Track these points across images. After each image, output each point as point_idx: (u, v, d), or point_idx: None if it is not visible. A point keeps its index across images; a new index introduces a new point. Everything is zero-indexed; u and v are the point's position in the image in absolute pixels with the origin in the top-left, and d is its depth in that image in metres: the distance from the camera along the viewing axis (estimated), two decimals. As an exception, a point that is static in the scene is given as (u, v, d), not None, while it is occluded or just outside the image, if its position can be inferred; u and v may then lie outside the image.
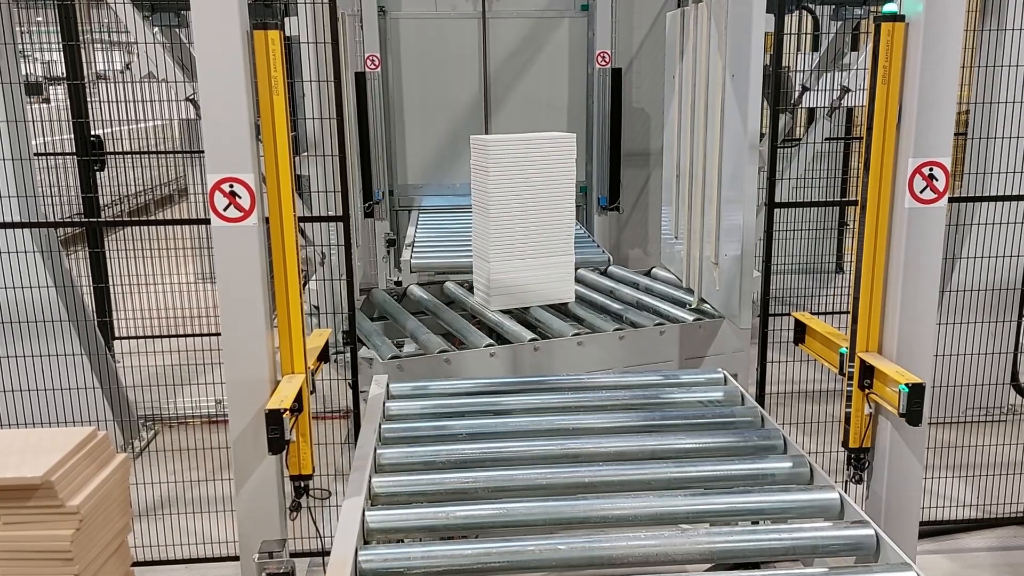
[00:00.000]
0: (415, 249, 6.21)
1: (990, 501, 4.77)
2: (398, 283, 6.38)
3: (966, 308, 5.27)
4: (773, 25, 4.11)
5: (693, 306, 4.79)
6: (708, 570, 2.86)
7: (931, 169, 3.14)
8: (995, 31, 5.24)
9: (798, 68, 6.14)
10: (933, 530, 4.54)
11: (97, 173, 5.50)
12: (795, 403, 5.05)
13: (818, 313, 4.45)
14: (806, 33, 6.96)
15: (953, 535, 4.58)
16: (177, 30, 5.27)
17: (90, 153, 5.36)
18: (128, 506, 3.18)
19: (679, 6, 8.75)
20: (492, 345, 4.41)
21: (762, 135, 5.90)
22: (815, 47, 7.39)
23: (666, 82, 5.49)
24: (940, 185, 3.16)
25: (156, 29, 5.14)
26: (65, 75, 5.21)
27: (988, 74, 5.34)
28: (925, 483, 4.46)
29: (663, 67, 8.98)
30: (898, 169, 3.19)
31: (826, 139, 7.48)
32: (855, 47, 7.46)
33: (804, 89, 5.78)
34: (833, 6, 5.53)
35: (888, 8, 3.11)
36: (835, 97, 5.60)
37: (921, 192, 3.16)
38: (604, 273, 5.72)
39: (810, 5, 6.20)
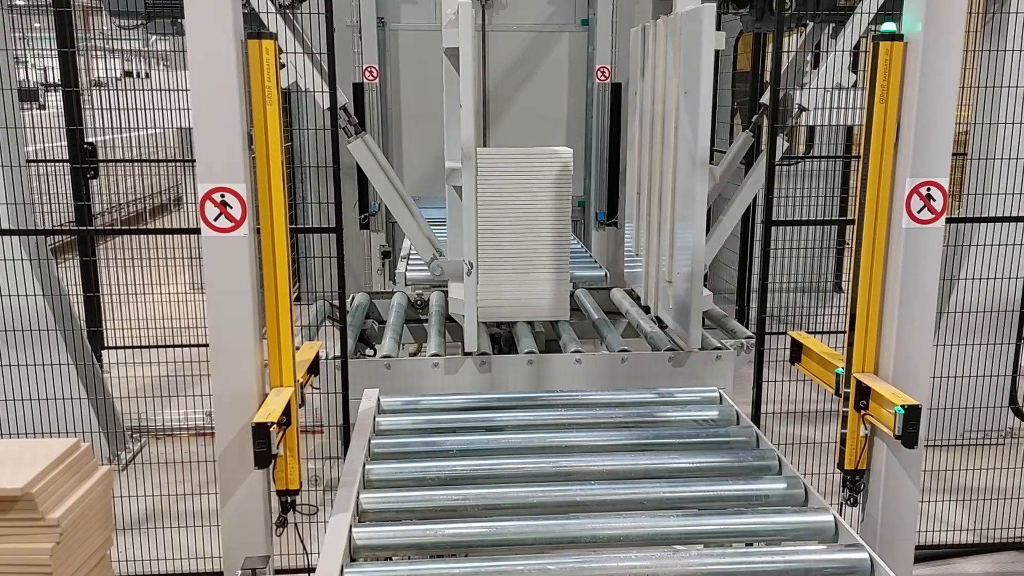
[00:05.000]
0: (410, 262, 6.18)
1: (988, 525, 4.72)
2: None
3: (965, 330, 5.23)
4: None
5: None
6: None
7: (928, 189, 3.12)
8: (996, 52, 5.23)
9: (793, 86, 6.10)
10: (930, 554, 4.50)
11: (90, 181, 5.47)
12: (791, 423, 5.01)
13: (817, 332, 4.41)
14: (812, 51, 6.95)
15: (950, 559, 4.53)
16: (173, 38, 5.26)
17: (83, 160, 5.33)
18: (110, 519, 3.13)
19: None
20: (486, 354, 4.39)
21: (759, 152, 5.89)
22: (816, 65, 7.39)
23: (629, 98, 5.47)
24: (938, 205, 3.13)
25: (153, 37, 5.12)
26: (60, 82, 5.18)
27: (988, 95, 5.33)
28: (922, 506, 4.41)
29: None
30: (895, 189, 3.16)
31: (823, 157, 7.47)
32: (855, 66, 7.46)
33: (801, 109, 5.70)
34: (833, 24, 5.51)
35: (887, 27, 3.09)
36: (793, 115, 5.48)
37: (918, 212, 3.13)
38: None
39: (810, 23, 6.18)
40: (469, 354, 4.37)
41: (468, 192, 4.31)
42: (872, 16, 4.98)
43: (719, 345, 4.63)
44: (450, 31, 4.18)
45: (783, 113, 5.40)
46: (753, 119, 5.71)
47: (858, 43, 6.50)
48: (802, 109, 5.18)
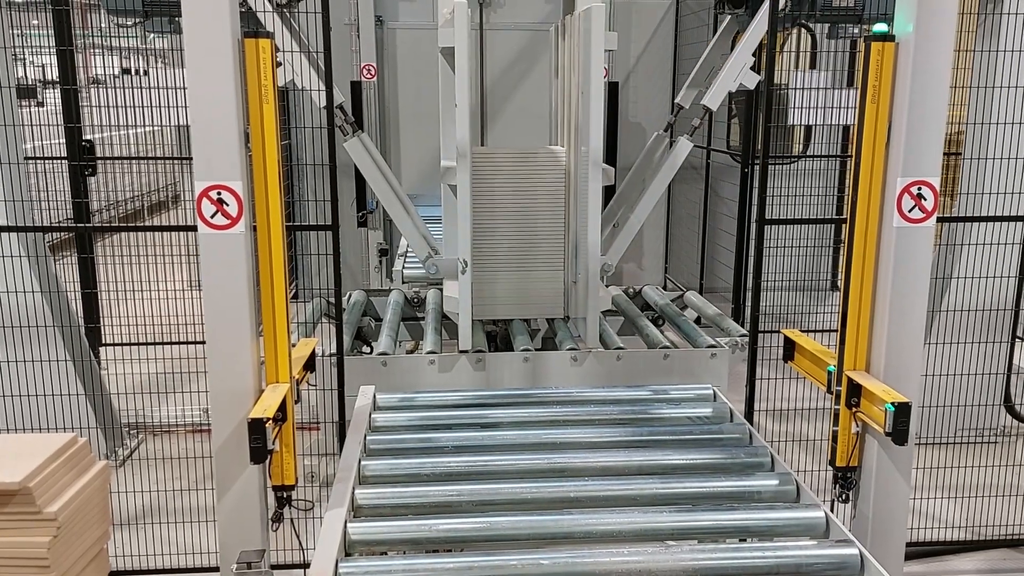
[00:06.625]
0: (408, 259, 6.20)
1: (980, 523, 4.75)
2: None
3: (959, 328, 5.26)
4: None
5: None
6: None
7: (920, 189, 3.14)
8: (990, 52, 5.26)
9: (795, 86, 6.11)
10: (921, 551, 4.52)
11: (88, 178, 5.48)
12: (784, 420, 5.03)
13: (812, 331, 4.43)
14: (804, 51, 6.99)
15: (942, 557, 4.56)
16: (171, 36, 5.28)
17: (81, 158, 5.34)
18: (107, 513, 3.15)
19: (676, 25, 8.80)
20: (481, 352, 4.41)
21: (757, 153, 5.90)
22: (813, 64, 7.42)
23: (551, 97, 5.47)
24: (929, 205, 3.15)
25: (151, 34, 5.13)
26: (58, 79, 5.20)
27: (982, 95, 5.36)
28: (915, 504, 4.44)
29: (659, 82, 8.97)
30: (887, 188, 3.19)
31: (814, 156, 7.48)
32: (852, 65, 7.49)
33: (706, 110, 5.38)
34: (828, 24, 5.52)
35: (878, 28, 3.11)
36: (699, 117, 5.33)
37: (910, 212, 3.16)
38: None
39: (807, 23, 6.19)
40: (465, 352, 4.39)
41: (463, 191, 4.33)
42: (784, 13, 4.98)
43: (713, 343, 4.65)
44: (446, 30, 4.20)
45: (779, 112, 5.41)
46: (669, 120, 5.72)
47: (854, 42, 6.49)
48: (707, 111, 5.17)
